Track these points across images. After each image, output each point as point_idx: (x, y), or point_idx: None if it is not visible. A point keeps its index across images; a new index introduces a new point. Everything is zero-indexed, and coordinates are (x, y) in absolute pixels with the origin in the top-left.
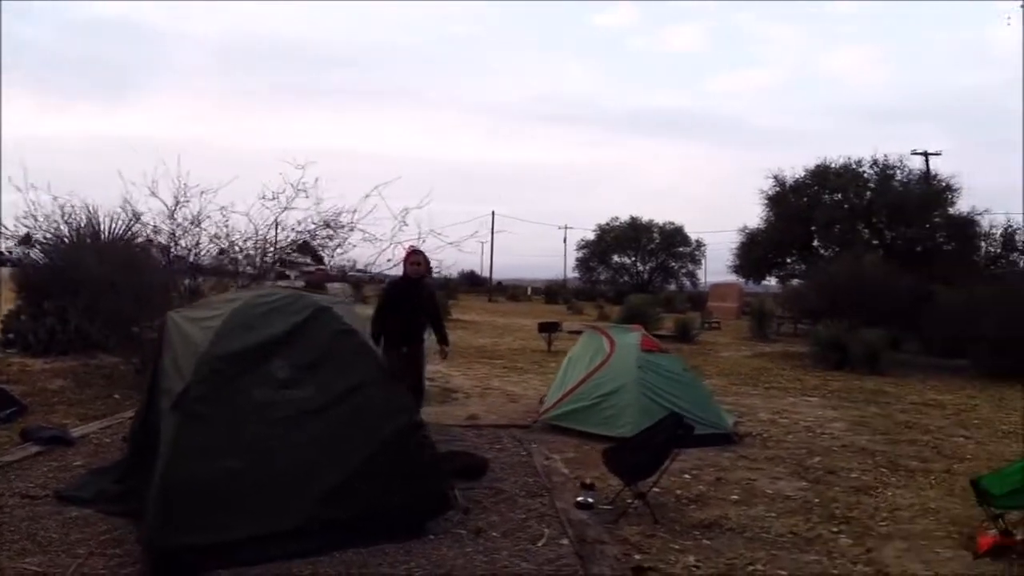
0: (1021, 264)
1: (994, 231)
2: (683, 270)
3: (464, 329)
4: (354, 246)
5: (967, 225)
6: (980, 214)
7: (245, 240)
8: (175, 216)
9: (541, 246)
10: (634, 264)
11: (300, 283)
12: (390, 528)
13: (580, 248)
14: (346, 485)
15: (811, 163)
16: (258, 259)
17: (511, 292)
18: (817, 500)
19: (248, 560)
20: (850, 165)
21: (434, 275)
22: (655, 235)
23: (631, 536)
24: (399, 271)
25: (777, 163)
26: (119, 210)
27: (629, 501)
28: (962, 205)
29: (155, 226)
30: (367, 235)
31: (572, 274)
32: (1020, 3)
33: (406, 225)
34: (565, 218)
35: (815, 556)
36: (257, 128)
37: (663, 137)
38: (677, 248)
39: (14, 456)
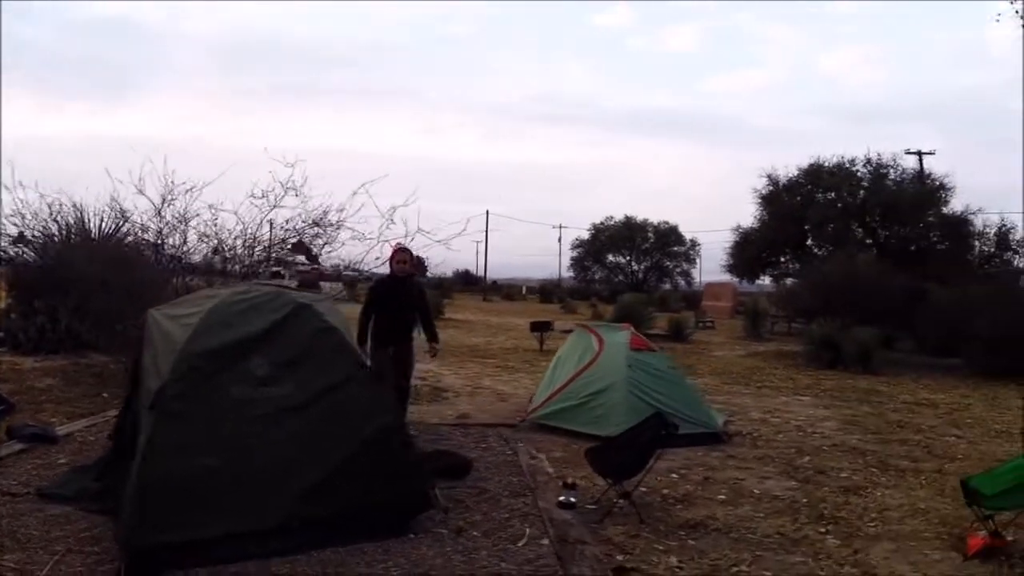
0: (1015, 263)
1: (988, 230)
2: (678, 269)
3: (457, 328)
4: (342, 244)
5: (960, 224)
6: (974, 213)
7: (234, 239)
8: (162, 214)
9: (536, 245)
10: (629, 263)
11: (294, 282)
12: (371, 527)
13: (575, 247)
14: (326, 483)
15: (805, 162)
16: (247, 257)
17: (506, 291)
18: (805, 500)
19: (225, 558)
20: (843, 164)
21: (428, 274)
22: (650, 234)
23: (615, 536)
24: (387, 269)
25: (775, 163)
26: (107, 208)
27: (614, 501)
28: (956, 204)
29: (143, 224)
30: (355, 233)
31: (567, 273)
32: (1013, 2)
33: (393, 223)
34: (564, 218)
35: (801, 557)
36: (256, 128)
37: (662, 137)
38: (672, 247)
39: None
